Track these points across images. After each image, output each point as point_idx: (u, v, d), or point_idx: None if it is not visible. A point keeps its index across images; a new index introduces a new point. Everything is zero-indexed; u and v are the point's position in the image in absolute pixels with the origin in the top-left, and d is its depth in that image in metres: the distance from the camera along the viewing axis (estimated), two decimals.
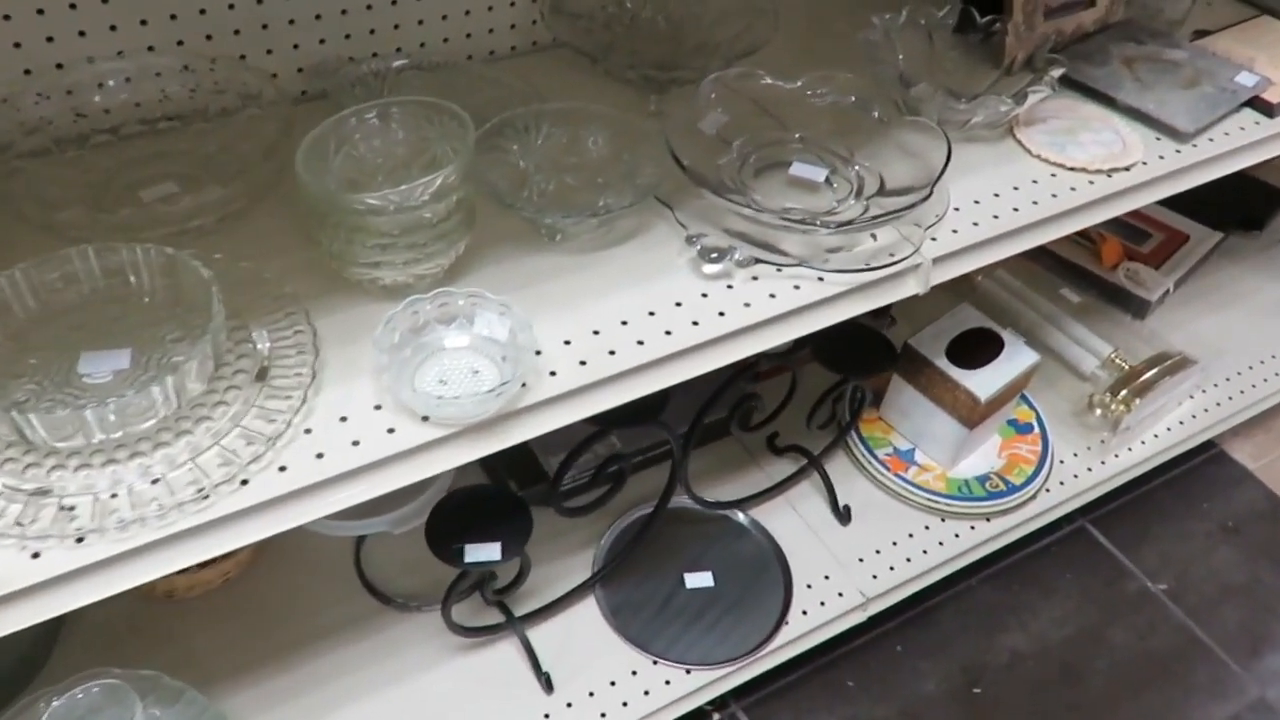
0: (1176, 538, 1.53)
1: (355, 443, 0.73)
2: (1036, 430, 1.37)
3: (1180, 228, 1.68)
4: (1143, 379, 1.40)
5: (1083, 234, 1.63)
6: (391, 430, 0.74)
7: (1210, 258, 1.68)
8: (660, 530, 1.21)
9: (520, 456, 1.20)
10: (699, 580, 1.18)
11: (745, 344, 0.87)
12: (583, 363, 0.80)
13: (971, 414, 1.24)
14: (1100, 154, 1.06)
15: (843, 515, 1.26)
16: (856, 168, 0.99)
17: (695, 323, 0.85)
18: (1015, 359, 1.27)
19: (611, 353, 0.81)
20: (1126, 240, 1.65)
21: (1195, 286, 1.66)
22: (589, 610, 1.15)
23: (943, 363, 1.25)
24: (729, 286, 0.88)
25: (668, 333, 0.83)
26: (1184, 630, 1.42)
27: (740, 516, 1.25)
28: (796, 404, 1.28)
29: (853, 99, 1.04)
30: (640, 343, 0.82)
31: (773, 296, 0.88)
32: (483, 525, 0.96)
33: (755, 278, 0.89)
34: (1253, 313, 1.63)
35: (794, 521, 1.26)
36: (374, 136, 0.84)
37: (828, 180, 0.98)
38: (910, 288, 0.95)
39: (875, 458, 1.31)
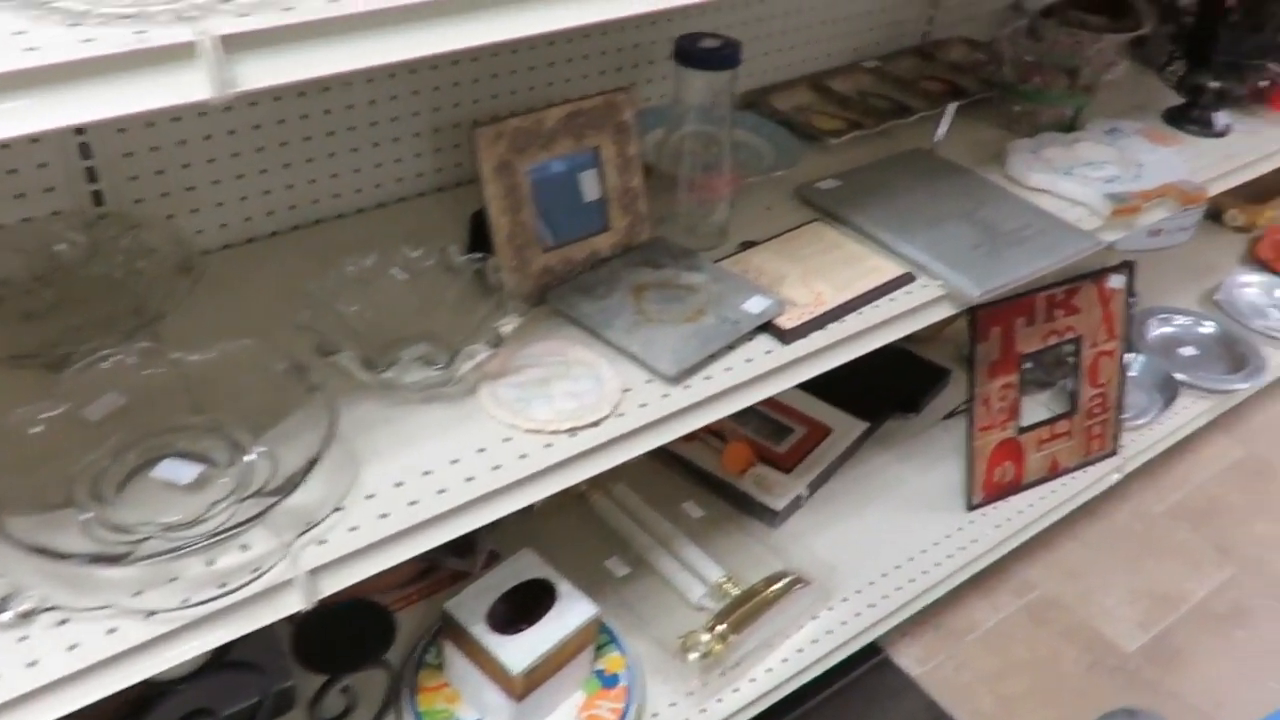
0: None
1: None
2: (624, 682, 1.23)
3: (823, 419, 1.60)
4: (748, 607, 1.28)
5: (716, 434, 1.53)
6: None
7: (860, 448, 1.60)
8: None
9: None
10: None
11: (25, 714, 0.70)
12: None
13: (511, 685, 1.09)
14: (569, 408, 0.95)
15: None
16: (255, 455, 0.86)
17: None
18: (567, 616, 1.14)
19: None
20: (763, 438, 1.56)
21: (840, 482, 1.57)
22: None
23: (478, 629, 1.11)
24: (24, 639, 0.73)
25: None
26: None
27: None
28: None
29: (283, 368, 0.91)
30: None
31: (73, 649, 0.72)
32: None
33: (65, 621, 0.74)
34: (899, 508, 1.54)
35: None
36: None
37: (214, 464, 0.85)
38: (292, 604, 0.80)
39: None
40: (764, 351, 1.05)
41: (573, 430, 0.93)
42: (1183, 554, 1.75)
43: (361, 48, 0.66)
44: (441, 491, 0.86)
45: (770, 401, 1.62)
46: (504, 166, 1.02)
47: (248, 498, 0.82)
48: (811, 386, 1.62)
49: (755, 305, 1.07)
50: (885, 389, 1.68)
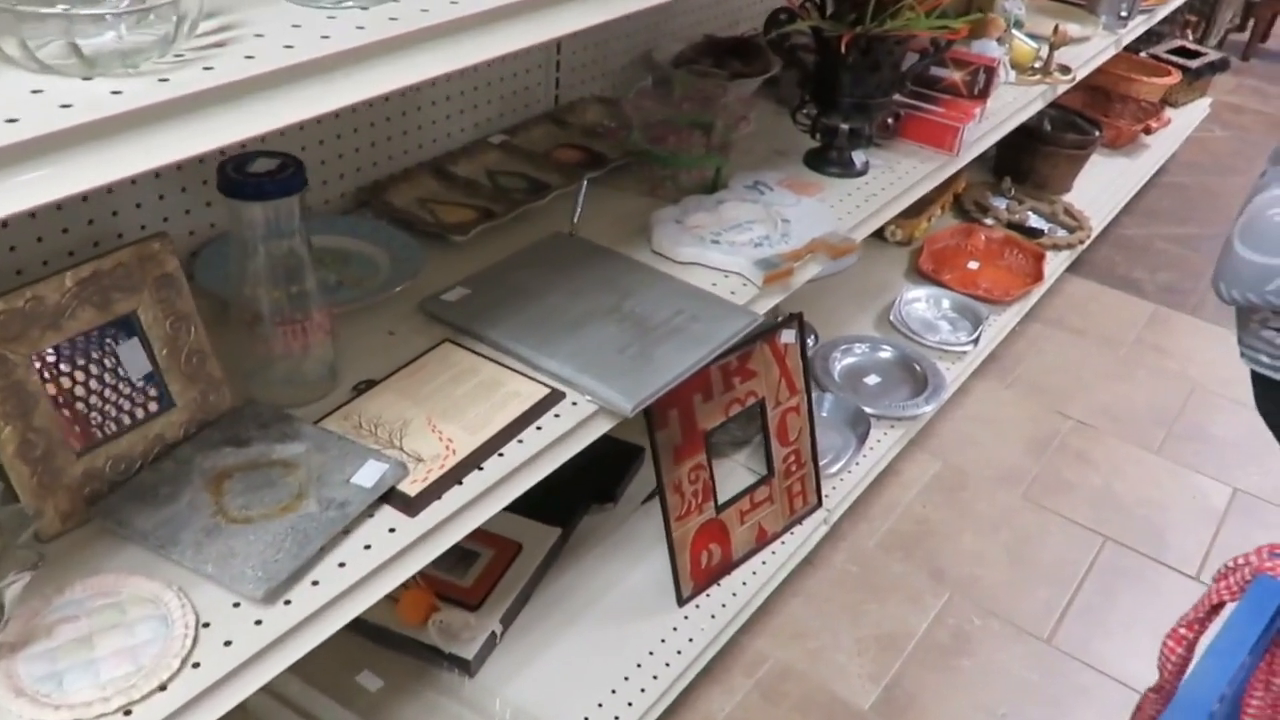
0: None
1: None
2: None
3: (511, 534, 1.43)
4: None
5: None
6: None
7: (556, 558, 1.45)
8: None
9: None
10: None
11: None
12: None
13: None
14: (121, 674, 0.72)
15: None
16: None
17: None
18: None
19: None
20: (445, 572, 1.36)
21: (540, 603, 1.41)
22: None
23: None
24: None
25: None
26: None
27: None
28: None
29: None
30: None
31: None
32: None
33: None
34: (607, 619, 1.40)
35: None
36: None
37: None
38: None
39: None
40: (387, 530, 0.87)
41: (126, 708, 0.71)
42: (900, 587, 1.73)
43: None
44: None
45: None
46: None
47: None
48: None
49: (368, 476, 0.88)
50: (576, 482, 1.52)
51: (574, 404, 1.03)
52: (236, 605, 0.79)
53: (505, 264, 1.20)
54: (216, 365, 0.93)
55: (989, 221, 2.40)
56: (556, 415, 1.01)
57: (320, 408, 0.98)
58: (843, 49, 1.30)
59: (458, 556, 1.39)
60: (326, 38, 0.61)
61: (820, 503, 1.61)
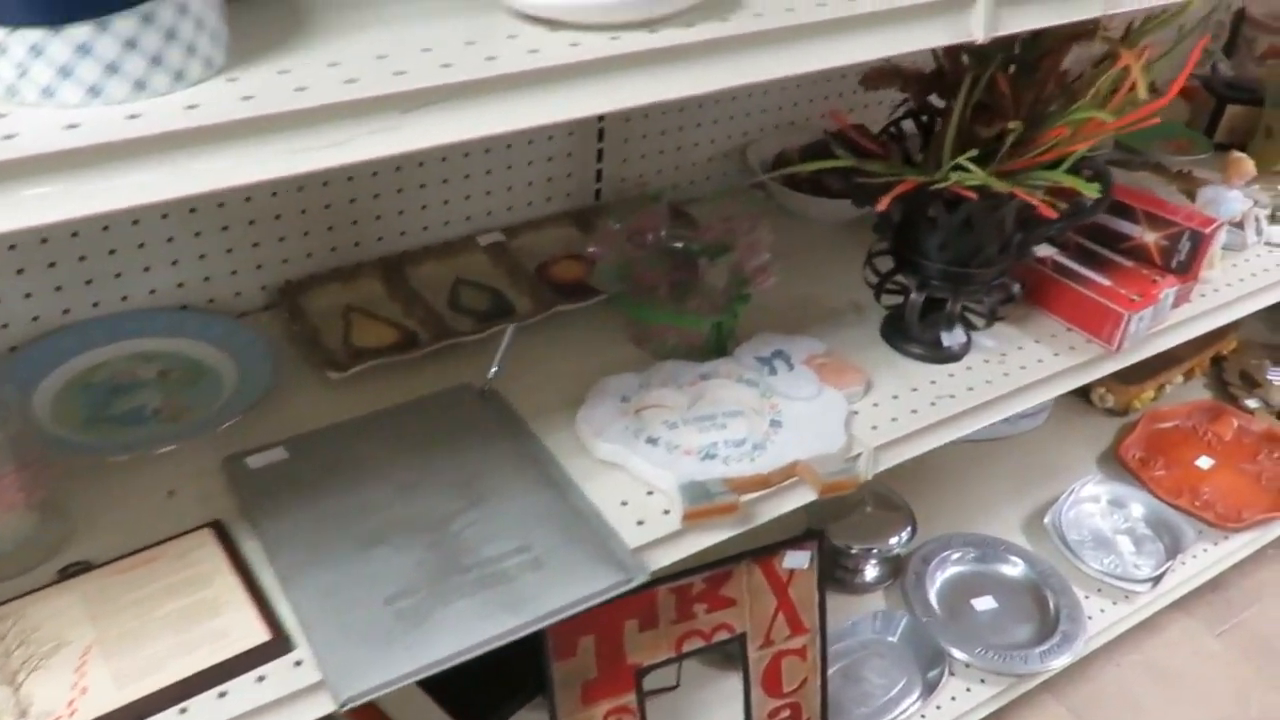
0: None
1: None
2: None
3: None
4: None
5: None
6: None
7: None
8: None
9: None
10: None
11: None
12: None
13: None
14: None
15: None
16: None
17: None
18: None
19: None
20: None
21: None
22: None
23: None
24: None
25: None
26: None
27: None
28: None
29: None
30: None
31: None
32: None
33: None
34: None
35: None
36: None
37: None
38: None
39: None
40: None
41: None
42: None
43: None
44: None
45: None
46: None
47: None
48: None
49: None
50: (525, 667, 1.24)
51: (297, 664, 0.74)
52: None
53: (358, 422, 0.94)
54: None
55: (1252, 404, 1.78)
56: (260, 679, 0.73)
57: None
58: (882, 204, 0.89)
59: None
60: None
61: None
